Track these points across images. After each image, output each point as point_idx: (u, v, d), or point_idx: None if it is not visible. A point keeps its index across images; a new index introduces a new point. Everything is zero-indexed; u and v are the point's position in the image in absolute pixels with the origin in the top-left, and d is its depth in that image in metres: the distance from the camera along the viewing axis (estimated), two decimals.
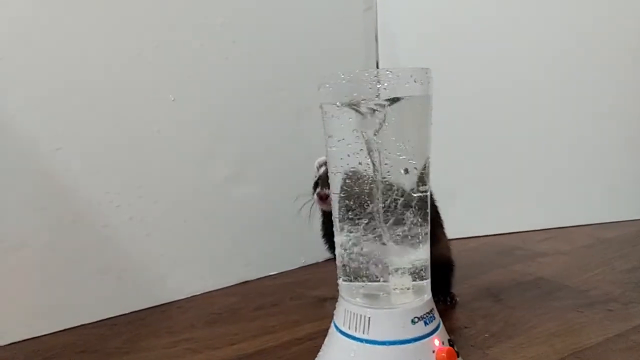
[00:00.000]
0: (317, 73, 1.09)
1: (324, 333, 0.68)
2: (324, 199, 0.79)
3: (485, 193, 1.32)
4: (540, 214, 1.36)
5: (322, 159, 0.86)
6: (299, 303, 0.95)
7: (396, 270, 0.67)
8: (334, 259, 0.72)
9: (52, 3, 0.85)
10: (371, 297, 0.67)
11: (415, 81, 0.61)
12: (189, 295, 1.01)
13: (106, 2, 0.90)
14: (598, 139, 1.35)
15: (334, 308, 0.69)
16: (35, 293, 0.87)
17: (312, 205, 0.84)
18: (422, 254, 0.67)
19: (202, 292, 1.03)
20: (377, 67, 1.23)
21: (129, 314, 0.95)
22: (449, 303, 0.88)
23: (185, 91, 0.98)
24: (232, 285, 1.06)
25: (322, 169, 0.85)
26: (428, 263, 0.68)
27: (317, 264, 1.18)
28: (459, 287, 0.93)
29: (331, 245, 0.83)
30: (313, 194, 0.83)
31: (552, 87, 1.31)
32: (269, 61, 1.08)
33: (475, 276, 1.02)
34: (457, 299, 0.89)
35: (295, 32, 1.12)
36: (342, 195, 0.67)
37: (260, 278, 1.10)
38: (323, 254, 1.18)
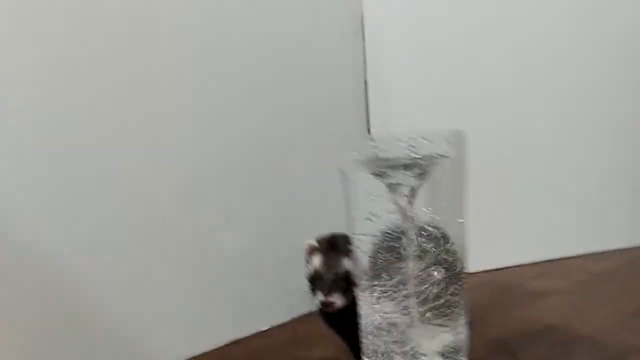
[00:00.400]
0: (303, 108, 1.03)
1: None
2: (330, 306, 0.69)
3: (473, 228, 1.28)
4: (530, 246, 1.33)
5: (312, 242, 0.75)
6: None
7: (425, 354, 0.61)
8: None
9: None
10: None
11: (451, 145, 0.55)
12: None
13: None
14: (583, 167, 1.35)
15: None
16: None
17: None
18: (457, 335, 0.61)
19: (189, 356, 0.92)
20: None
21: None
22: None
23: (159, 134, 0.89)
24: (222, 347, 0.96)
25: (316, 261, 0.73)
26: (463, 345, 0.61)
27: (310, 314, 1.09)
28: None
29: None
30: (312, 295, 0.72)
31: (535, 109, 1.29)
32: (251, 98, 1.00)
33: (482, 326, 0.96)
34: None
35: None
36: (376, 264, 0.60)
37: (251, 336, 1.00)
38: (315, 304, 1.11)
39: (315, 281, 0.71)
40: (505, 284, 1.19)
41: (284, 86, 1.05)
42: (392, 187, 0.55)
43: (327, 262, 0.71)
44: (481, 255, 1.27)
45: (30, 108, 0.76)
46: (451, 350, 0.60)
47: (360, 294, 0.64)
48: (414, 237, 0.57)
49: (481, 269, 1.28)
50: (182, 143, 0.92)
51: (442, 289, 0.58)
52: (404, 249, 0.58)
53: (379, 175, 0.55)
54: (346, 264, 0.70)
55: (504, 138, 1.26)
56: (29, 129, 0.76)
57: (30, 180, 0.77)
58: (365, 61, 1.20)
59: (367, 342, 0.63)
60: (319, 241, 0.74)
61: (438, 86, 1.21)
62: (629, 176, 1.39)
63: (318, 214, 1.08)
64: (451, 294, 0.59)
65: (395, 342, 0.61)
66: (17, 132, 0.75)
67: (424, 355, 0.60)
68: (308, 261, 0.74)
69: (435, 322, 0.59)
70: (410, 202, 0.55)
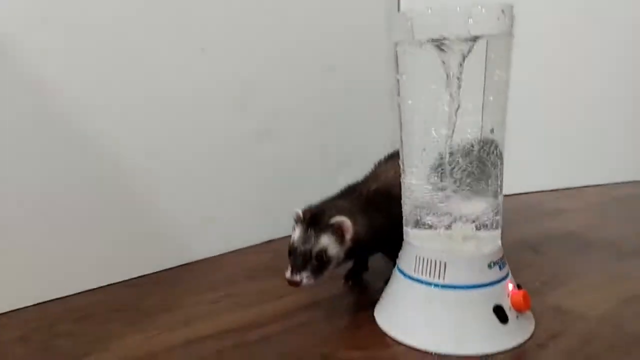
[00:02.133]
0: (343, 31, 1.05)
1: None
2: (295, 285, 0.66)
3: None
4: (549, 176, 1.36)
5: (298, 211, 0.71)
6: None
7: (460, 218, 0.66)
8: None
9: None
10: (440, 243, 0.66)
11: (505, 16, 0.58)
12: (217, 254, 0.97)
13: None
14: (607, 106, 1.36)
15: None
16: (62, 251, 0.81)
17: None
18: (490, 203, 0.66)
19: (230, 250, 0.99)
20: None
21: (155, 273, 0.90)
22: None
23: (215, 43, 0.92)
24: (260, 244, 1.02)
25: (295, 233, 0.69)
26: (496, 212, 0.66)
27: None
28: None
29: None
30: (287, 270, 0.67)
31: (570, 57, 1.30)
32: (296, 16, 1.02)
33: (508, 229, 1.01)
34: None
35: None
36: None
37: (287, 236, 1.06)
38: None
39: (290, 254, 0.68)
40: (528, 204, 1.23)
41: (326, 7, 1.06)
42: (444, 54, 0.59)
43: (303, 237, 0.67)
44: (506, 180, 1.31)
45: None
46: (486, 215, 0.65)
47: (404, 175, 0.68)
48: (457, 103, 0.61)
49: (506, 192, 1.32)
50: (237, 54, 0.95)
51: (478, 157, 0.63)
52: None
53: (435, 43, 0.59)
54: (324, 241, 0.67)
55: (536, 66, 1.28)
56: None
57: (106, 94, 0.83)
58: None
59: (407, 213, 0.68)
60: (304, 211, 0.70)
61: None
62: None
63: (356, 132, 1.13)
64: (487, 163, 0.64)
65: (430, 211, 0.66)
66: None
67: (459, 218, 0.65)
68: (295, 226, 0.71)
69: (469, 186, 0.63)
70: (460, 68, 0.59)
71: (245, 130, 0.99)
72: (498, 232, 0.67)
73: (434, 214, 0.66)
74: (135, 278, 0.88)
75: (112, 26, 0.82)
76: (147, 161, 0.88)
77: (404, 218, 0.68)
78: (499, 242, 0.66)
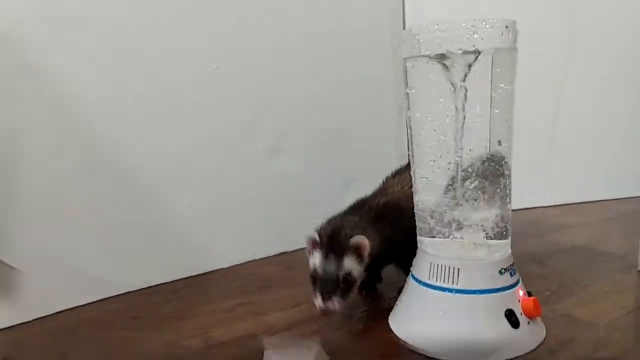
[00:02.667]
0: (350, 48, 1.09)
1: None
2: (329, 313, 0.65)
3: None
4: (554, 191, 1.39)
5: (313, 235, 0.70)
6: None
7: (470, 226, 0.68)
8: None
9: None
10: (453, 251, 0.68)
11: (509, 32, 0.61)
12: (230, 265, 0.99)
13: None
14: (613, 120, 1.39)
15: None
16: (78, 260, 0.83)
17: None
18: (500, 210, 0.68)
19: (243, 261, 1.01)
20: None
21: (170, 282, 0.92)
22: None
23: (226, 62, 0.96)
24: (271, 256, 1.04)
25: (316, 258, 0.68)
26: (506, 221, 0.68)
27: None
28: None
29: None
30: (315, 297, 0.66)
31: (575, 66, 1.33)
32: (305, 34, 1.06)
33: (512, 244, 1.03)
34: None
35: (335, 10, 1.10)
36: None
37: (296, 250, 1.08)
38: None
39: (315, 281, 0.67)
40: (532, 219, 1.25)
41: (334, 23, 1.10)
42: (449, 69, 0.62)
43: (326, 262, 0.67)
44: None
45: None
46: (496, 225, 0.67)
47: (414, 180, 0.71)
48: (463, 115, 0.64)
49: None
50: (246, 73, 0.99)
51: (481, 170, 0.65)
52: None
53: (437, 58, 0.62)
54: (347, 264, 0.67)
55: (541, 80, 1.31)
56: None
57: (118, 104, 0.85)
58: None
59: (420, 223, 0.70)
60: (320, 234, 0.70)
61: None
62: None
63: (364, 148, 1.16)
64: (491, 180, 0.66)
65: (442, 220, 0.68)
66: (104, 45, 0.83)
67: (469, 226, 0.67)
68: (310, 252, 0.70)
69: (478, 197, 0.66)
70: (464, 82, 0.62)
71: (257, 146, 1.02)
72: (508, 241, 0.69)
73: (445, 222, 0.68)
74: (152, 287, 0.90)
75: (127, 50, 0.85)
76: (162, 173, 0.91)
77: (417, 228, 0.70)
78: (509, 249, 0.68)
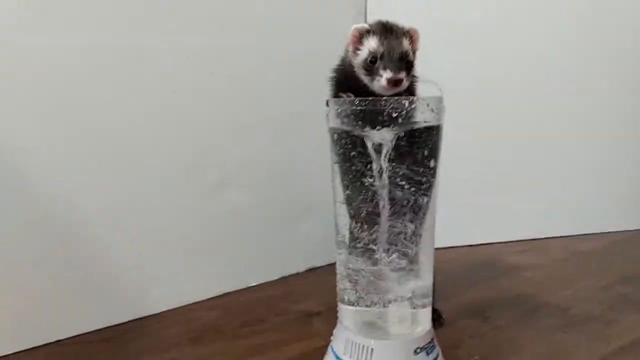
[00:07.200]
0: (305, 78, 1.06)
1: (314, 353, 0.67)
2: (398, 84, 0.62)
3: (464, 204, 1.32)
4: (516, 226, 1.38)
5: (362, 25, 0.67)
6: (284, 319, 0.92)
7: (395, 298, 0.66)
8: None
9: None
10: (370, 324, 0.66)
11: (431, 110, 0.59)
12: (169, 308, 0.97)
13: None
14: (572, 153, 1.39)
15: (322, 325, 0.67)
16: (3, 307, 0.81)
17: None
18: (424, 281, 0.67)
19: (183, 304, 0.99)
20: None
21: (104, 329, 0.90)
22: (435, 323, 0.87)
23: (171, 99, 0.93)
24: (213, 298, 1.02)
25: (372, 43, 0.65)
26: (430, 290, 0.67)
27: (297, 274, 1.16)
28: (445, 304, 0.92)
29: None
30: (370, 80, 0.64)
31: (533, 99, 1.32)
32: (258, 70, 1.04)
33: (460, 291, 1.02)
34: (444, 316, 0.89)
35: (283, 38, 1.07)
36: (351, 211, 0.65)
37: (241, 290, 1.07)
38: (304, 264, 1.17)
39: (375, 63, 0.64)
40: (490, 258, 1.24)
41: (285, 60, 1.08)
42: (372, 144, 0.60)
43: (388, 42, 0.64)
44: (470, 229, 1.33)
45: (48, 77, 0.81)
46: (418, 295, 0.66)
47: (336, 249, 0.69)
48: (386, 188, 0.62)
49: (468, 243, 1.34)
50: (193, 110, 0.97)
51: (409, 234, 0.64)
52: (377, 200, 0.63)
53: (362, 133, 0.60)
54: (405, 44, 0.65)
55: (498, 119, 1.30)
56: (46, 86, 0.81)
57: (58, 147, 0.83)
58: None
59: (343, 291, 0.69)
60: (370, 24, 0.67)
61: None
62: (617, 166, 1.43)
63: (313, 180, 1.14)
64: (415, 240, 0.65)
65: (367, 290, 0.67)
66: (33, 90, 0.80)
67: (395, 300, 0.66)
68: (356, 48, 0.66)
69: (401, 267, 0.64)
70: (386, 157, 0.60)
71: (201, 184, 1.00)
72: (429, 309, 0.68)
73: (369, 292, 0.67)
74: (80, 335, 0.87)
75: (68, 86, 0.83)
76: (101, 215, 0.88)
77: (337, 292, 0.69)
78: (430, 323, 0.66)
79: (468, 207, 1.31)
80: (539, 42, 1.30)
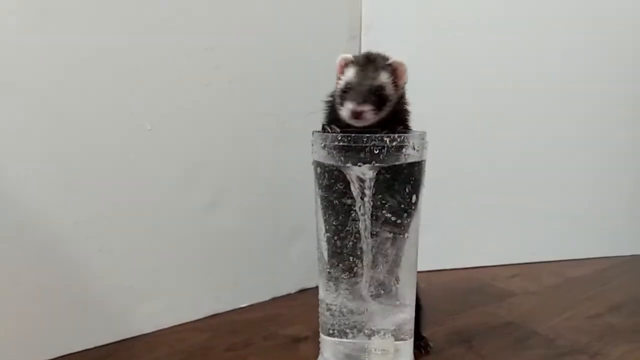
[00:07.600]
0: (297, 99, 1.07)
1: None
2: (359, 116, 0.63)
3: (455, 226, 1.32)
4: (509, 249, 1.38)
5: (347, 55, 0.69)
6: (272, 344, 0.92)
7: (378, 331, 0.67)
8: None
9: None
10: (352, 357, 0.66)
11: (413, 148, 0.60)
12: (157, 329, 0.97)
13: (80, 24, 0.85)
14: (566, 177, 1.39)
15: (308, 351, 0.66)
16: None
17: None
18: (407, 314, 0.67)
19: (171, 325, 0.99)
20: None
21: (92, 349, 0.90)
22: (422, 350, 0.87)
23: (162, 119, 0.94)
24: (202, 319, 1.03)
25: (350, 73, 0.66)
26: (412, 324, 0.67)
27: (288, 295, 1.16)
28: (432, 331, 0.93)
29: None
30: (340, 108, 0.65)
31: (521, 121, 1.32)
32: (250, 87, 1.05)
33: (447, 318, 1.02)
34: (431, 344, 0.89)
35: (278, 59, 1.09)
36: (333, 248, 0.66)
37: (230, 311, 1.07)
38: (295, 285, 1.17)
39: (347, 92, 0.65)
40: (480, 282, 1.24)
41: (276, 82, 1.09)
42: (355, 177, 0.61)
43: (362, 74, 0.66)
44: (462, 252, 1.33)
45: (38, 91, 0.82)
46: (400, 328, 0.66)
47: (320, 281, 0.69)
48: (368, 221, 0.62)
49: (460, 266, 1.34)
50: (183, 130, 0.98)
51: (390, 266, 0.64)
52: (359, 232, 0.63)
53: (343, 166, 0.61)
54: (382, 77, 0.66)
55: (488, 141, 1.30)
56: (37, 108, 0.82)
57: (43, 164, 0.83)
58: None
59: (325, 322, 0.69)
60: (355, 56, 0.69)
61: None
62: (611, 191, 1.43)
63: (305, 200, 1.14)
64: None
65: (350, 323, 0.67)
66: (25, 108, 0.81)
67: (378, 332, 0.66)
68: (339, 76, 0.69)
69: (385, 302, 0.65)
70: (369, 191, 0.61)
71: (192, 203, 1.00)
72: (411, 340, 0.68)
73: (353, 326, 0.67)
74: (64, 356, 0.87)
75: (55, 99, 0.84)
76: (88, 234, 0.89)
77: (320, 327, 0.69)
78: (412, 355, 0.67)
79: (460, 230, 1.32)
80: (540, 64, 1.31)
